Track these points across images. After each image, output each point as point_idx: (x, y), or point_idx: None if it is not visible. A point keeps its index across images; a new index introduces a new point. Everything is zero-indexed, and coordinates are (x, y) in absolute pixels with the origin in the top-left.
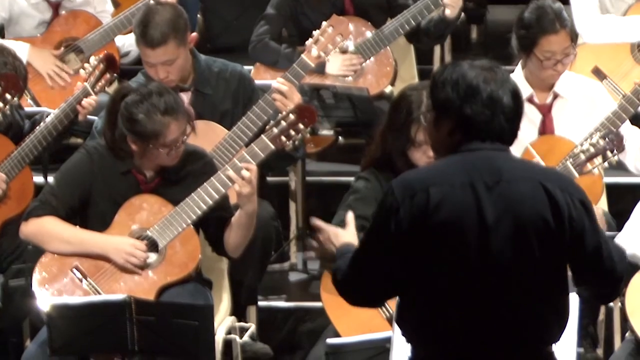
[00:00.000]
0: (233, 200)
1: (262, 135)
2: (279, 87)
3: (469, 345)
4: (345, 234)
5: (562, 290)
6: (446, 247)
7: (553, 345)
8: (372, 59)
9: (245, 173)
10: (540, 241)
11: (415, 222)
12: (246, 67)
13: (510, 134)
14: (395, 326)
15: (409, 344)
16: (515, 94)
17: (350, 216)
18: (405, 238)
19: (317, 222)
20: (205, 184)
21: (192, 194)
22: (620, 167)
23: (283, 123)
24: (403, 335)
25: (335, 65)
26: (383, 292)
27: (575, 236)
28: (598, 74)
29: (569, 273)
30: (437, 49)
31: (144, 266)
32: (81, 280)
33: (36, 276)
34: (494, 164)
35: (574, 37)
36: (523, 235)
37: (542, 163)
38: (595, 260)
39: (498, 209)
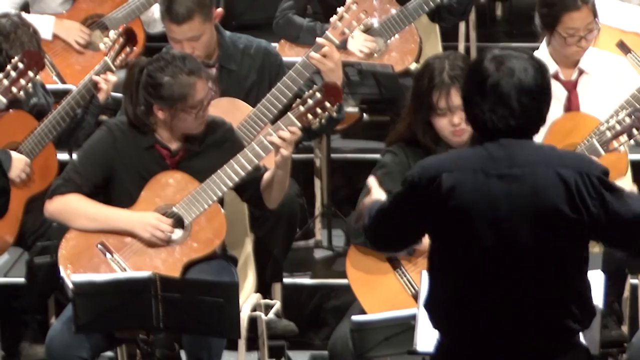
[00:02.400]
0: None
1: (289, 113)
2: (322, 42)
3: (493, 332)
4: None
5: (581, 274)
6: (460, 233)
7: (579, 333)
8: (396, 35)
9: (285, 134)
10: (554, 228)
11: (430, 206)
12: (272, 45)
13: (532, 127)
14: (421, 303)
15: (436, 331)
16: (536, 88)
17: (372, 181)
18: (423, 214)
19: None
20: (231, 160)
21: (218, 170)
22: None
23: (309, 101)
24: (430, 320)
25: (358, 43)
26: (405, 241)
27: (598, 213)
28: (622, 47)
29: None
30: (461, 27)
31: (169, 242)
32: (106, 256)
33: (61, 252)
34: (509, 152)
35: (596, 12)
36: (537, 222)
37: None
38: (623, 225)
39: (511, 196)
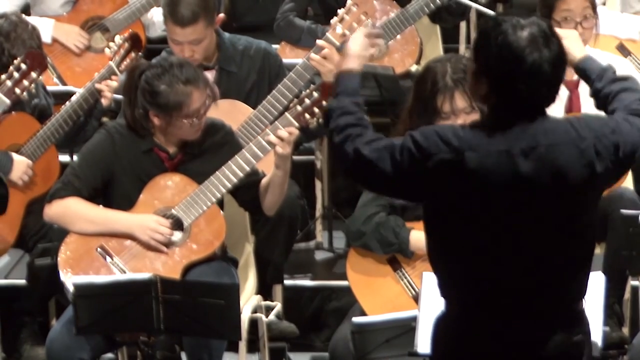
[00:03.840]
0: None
1: (286, 113)
2: (322, 44)
3: (505, 303)
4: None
5: (591, 247)
6: (480, 210)
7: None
8: (398, 37)
9: (283, 133)
10: (578, 204)
11: (446, 178)
12: (272, 46)
13: (549, 100)
14: (421, 305)
15: (443, 299)
16: (559, 60)
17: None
18: (430, 184)
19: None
20: (229, 162)
21: (217, 172)
22: None
23: (307, 101)
24: (438, 288)
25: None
26: (385, 191)
27: (616, 161)
28: (622, 50)
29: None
30: (462, 28)
31: (169, 244)
32: (106, 260)
33: (61, 256)
34: (531, 130)
35: (594, 2)
36: (561, 199)
37: None
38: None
39: (535, 175)
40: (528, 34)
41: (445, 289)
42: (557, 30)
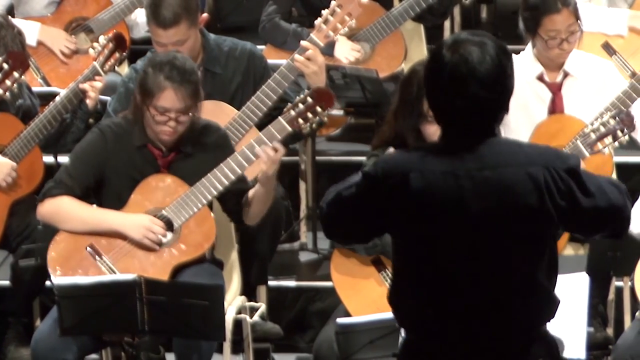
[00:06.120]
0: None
1: (280, 117)
2: (306, 45)
3: (456, 330)
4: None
5: (551, 269)
6: (427, 232)
7: (547, 323)
8: (383, 40)
9: (270, 152)
10: (525, 226)
11: (394, 203)
12: (258, 47)
13: (492, 121)
14: None
15: (401, 328)
16: (493, 82)
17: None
18: (383, 211)
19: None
20: (221, 164)
21: (208, 174)
22: (634, 146)
23: (301, 105)
24: (395, 318)
25: (344, 50)
26: (362, 235)
27: (569, 206)
28: (608, 48)
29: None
30: (447, 29)
31: (160, 245)
32: (96, 259)
33: (51, 255)
34: (478, 152)
35: (578, 15)
36: (508, 222)
37: None
38: (596, 215)
39: (481, 197)
40: (459, 55)
41: (400, 318)
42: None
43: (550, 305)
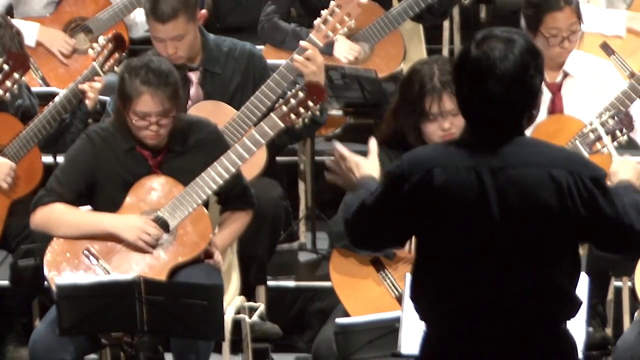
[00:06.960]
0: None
1: (272, 114)
2: (305, 45)
3: (478, 324)
4: (366, 165)
5: (572, 270)
6: (450, 228)
7: (566, 322)
8: (382, 40)
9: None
10: (545, 227)
11: (419, 199)
12: (257, 47)
13: (514, 120)
14: (405, 305)
15: (423, 322)
16: (515, 81)
17: (373, 144)
18: (410, 209)
19: (340, 148)
20: (215, 163)
21: (202, 173)
22: (633, 146)
23: (292, 101)
24: (416, 312)
25: (343, 49)
26: (389, 241)
27: (590, 214)
28: (606, 49)
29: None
30: (445, 29)
31: (155, 246)
32: (92, 262)
33: (47, 259)
34: (502, 150)
35: (579, 14)
36: (527, 221)
37: None
38: (615, 229)
39: (502, 195)
40: (482, 51)
41: (421, 312)
42: (616, 159)
43: (570, 306)
